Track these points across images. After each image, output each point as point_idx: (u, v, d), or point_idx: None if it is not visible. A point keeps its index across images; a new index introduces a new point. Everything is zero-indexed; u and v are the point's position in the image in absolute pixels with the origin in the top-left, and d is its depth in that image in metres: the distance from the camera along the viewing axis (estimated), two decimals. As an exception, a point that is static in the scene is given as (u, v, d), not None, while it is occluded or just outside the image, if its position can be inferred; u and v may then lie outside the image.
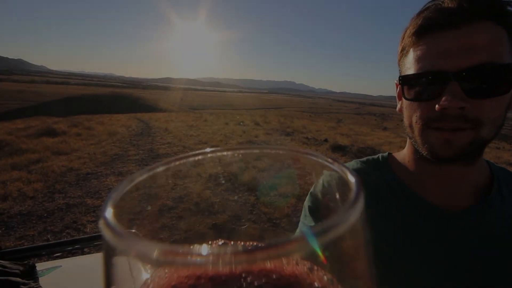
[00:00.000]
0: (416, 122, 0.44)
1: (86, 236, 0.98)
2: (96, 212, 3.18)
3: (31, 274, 0.63)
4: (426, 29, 0.42)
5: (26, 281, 0.58)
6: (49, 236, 2.70)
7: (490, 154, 9.41)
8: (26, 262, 0.67)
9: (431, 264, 0.47)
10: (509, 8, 0.40)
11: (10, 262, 0.65)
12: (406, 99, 0.46)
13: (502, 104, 0.41)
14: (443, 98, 0.40)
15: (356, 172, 0.37)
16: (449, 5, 0.40)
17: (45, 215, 3.08)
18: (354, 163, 0.58)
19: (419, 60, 0.43)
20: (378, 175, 0.54)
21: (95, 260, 0.83)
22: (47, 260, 0.89)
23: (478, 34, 0.39)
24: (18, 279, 0.58)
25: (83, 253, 2.09)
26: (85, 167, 4.80)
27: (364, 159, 0.56)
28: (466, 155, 0.43)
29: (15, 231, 2.73)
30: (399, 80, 0.47)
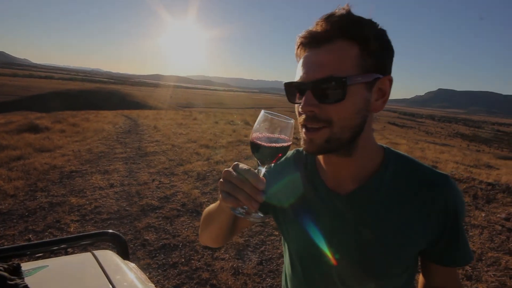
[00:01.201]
0: (298, 121, 0.55)
1: (71, 235, 0.96)
2: (81, 211, 3.10)
3: (16, 274, 0.62)
4: (302, 47, 0.52)
5: (13, 277, 0.57)
6: (30, 235, 2.62)
7: (470, 156, 9.78)
8: (10, 262, 0.65)
9: (319, 237, 0.60)
10: (364, 25, 0.49)
11: (-8, 262, 0.63)
12: (288, 101, 0.56)
13: (348, 108, 0.49)
14: (301, 104, 0.50)
15: (292, 156, 0.69)
16: (316, 28, 0.49)
17: (26, 214, 2.98)
18: (294, 151, 0.71)
19: (297, 71, 0.53)
20: (306, 160, 0.66)
21: (83, 259, 0.82)
22: (29, 261, 0.86)
23: (329, 53, 0.48)
24: (5, 274, 0.57)
25: (66, 253, 2.05)
26: (69, 164, 4.67)
27: (301, 148, 0.65)
28: (328, 150, 0.53)
29: (-6, 231, 2.63)
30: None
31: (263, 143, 0.48)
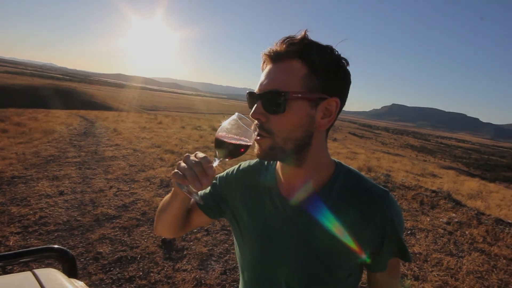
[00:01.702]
0: None
1: (9, 252, 0.85)
2: (23, 222, 2.76)
3: None
4: (264, 62, 0.59)
5: None
6: (-44, 252, 2.25)
7: (418, 166, 10.81)
8: None
9: (269, 241, 0.64)
10: (314, 50, 0.54)
11: None
12: (249, 108, 0.60)
13: (288, 121, 0.54)
14: (251, 112, 0.57)
15: (256, 163, 0.75)
16: (275, 47, 0.55)
17: (-48, 226, 2.57)
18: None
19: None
20: (267, 168, 0.71)
21: (21, 280, 0.72)
22: None
23: (280, 69, 0.55)
24: None
25: (4, 272, 1.80)
26: (11, 169, 4.15)
27: None
28: (273, 157, 0.58)
29: None
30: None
31: (226, 140, 0.54)
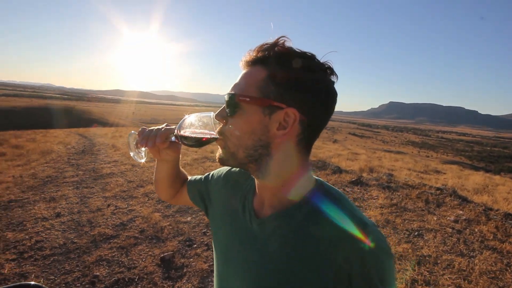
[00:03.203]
0: None
1: (4, 286, 0.78)
2: (18, 248, 2.69)
3: None
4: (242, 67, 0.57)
5: None
6: None
7: (420, 163, 10.71)
8: None
9: (231, 252, 0.62)
10: (277, 56, 0.51)
11: None
12: None
13: (238, 125, 0.52)
14: None
15: (240, 172, 0.72)
16: (246, 55, 0.54)
17: None
18: None
19: None
20: (251, 176, 0.67)
21: None
22: None
23: (245, 74, 0.54)
24: None
25: None
26: (8, 193, 4.09)
27: None
28: (225, 162, 0.56)
29: None
30: None
31: (190, 134, 0.58)
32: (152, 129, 0.62)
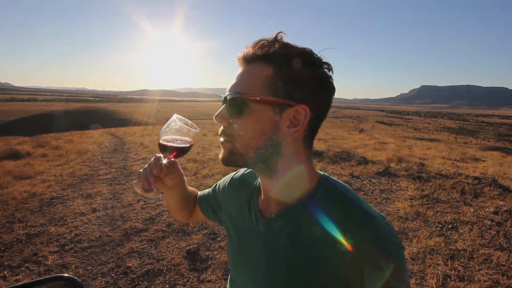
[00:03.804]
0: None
1: (22, 283, 0.87)
2: (60, 241, 2.95)
3: None
4: (238, 65, 0.56)
5: None
6: (6, 272, 2.45)
7: (456, 150, 9.97)
8: None
9: (241, 253, 0.63)
10: (283, 51, 0.50)
11: None
12: None
13: (248, 125, 0.51)
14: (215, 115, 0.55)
15: (249, 173, 0.72)
16: (243, 51, 0.53)
17: (2, 248, 2.81)
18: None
19: None
20: (257, 179, 0.67)
21: None
22: None
23: (246, 72, 0.52)
24: None
25: None
26: (50, 191, 4.48)
27: None
28: (234, 163, 0.55)
29: (-36, 271, 2.45)
30: None
31: (166, 143, 0.60)
32: (145, 168, 0.63)
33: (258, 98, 0.49)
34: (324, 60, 0.51)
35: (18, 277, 2.37)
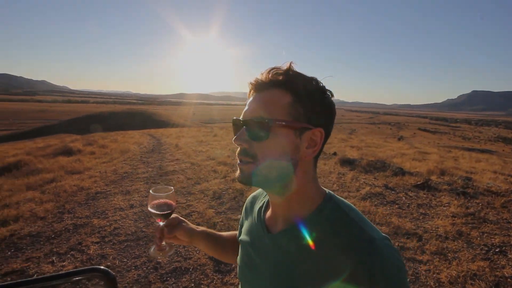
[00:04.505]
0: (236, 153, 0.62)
1: (64, 272, 0.99)
2: (101, 232, 3.23)
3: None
4: (250, 90, 0.61)
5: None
6: (54, 258, 2.75)
7: (512, 164, 8.88)
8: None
9: (247, 268, 0.67)
10: (298, 80, 0.55)
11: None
12: (234, 134, 0.62)
13: (272, 148, 0.54)
14: (234, 137, 0.58)
15: (258, 192, 0.82)
16: (259, 77, 0.58)
17: (52, 236, 3.16)
18: None
19: None
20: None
21: None
22: None
23: (264, 98, 0.56)
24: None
25: None
26: (95, 186, 4.93)
27: None
28: (256, 184, 0.57)
29: (23, 253, 2.81)
30: None
31: (154, 211, 0.75)
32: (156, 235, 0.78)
33: (284, 123, 0.54)
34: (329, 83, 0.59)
35: (64, 263, 2.65)
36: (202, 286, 2.30)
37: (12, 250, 2.86)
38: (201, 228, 0.85)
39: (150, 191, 0.75)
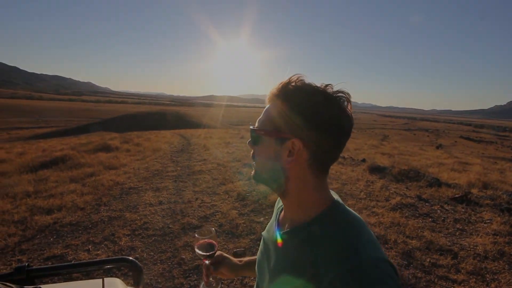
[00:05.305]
0: None
1: (96, 260, 1.08)
2: (132, 226, 3.44)
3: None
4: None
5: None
6: (90, 246, 2.99)
7: None
8: (33, 286, 0.77)
9: (264, 264, 0.70)
10: (291, 92, 0.59)
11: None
12: None
13: (260, 153, 0.63)
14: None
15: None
16: (271, 90, 0.63)
17: (89, 226, 3.44)
18: None
19: None
20: None
21: (91, 286, 0.91)
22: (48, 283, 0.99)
23: (267, 108, 0.64)
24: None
25: (87, 275, 2.20)
26: (129, 181, 5.26)
27: None
28: (258, 181, 0.65)
29: (64, 240, 3.09)
30: None
31: (200, 252, 0.84)
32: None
33: (262, 132, 0.62)
34: (336, 96, 0.57)
35: (98, 252, 2.87)
36: (222, 285, 2.35)
37: (54, 237, 3.16)
38: (244, 260, 0.92)
39: (195, 234, 0.85)
